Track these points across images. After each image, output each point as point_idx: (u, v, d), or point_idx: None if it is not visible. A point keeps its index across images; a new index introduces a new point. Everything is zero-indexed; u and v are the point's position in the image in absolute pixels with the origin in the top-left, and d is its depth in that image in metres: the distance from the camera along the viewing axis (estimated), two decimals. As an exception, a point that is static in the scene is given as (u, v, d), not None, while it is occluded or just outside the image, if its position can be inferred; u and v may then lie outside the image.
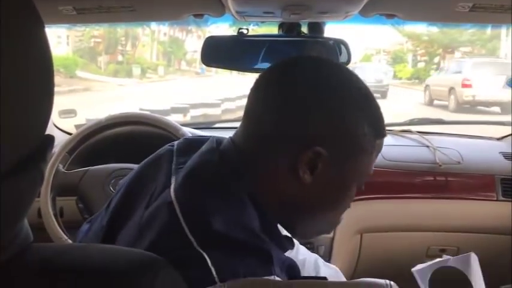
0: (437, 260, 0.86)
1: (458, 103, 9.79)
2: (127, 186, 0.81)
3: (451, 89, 10.02)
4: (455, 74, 10.32)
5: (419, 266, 0.87)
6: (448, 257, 0.86)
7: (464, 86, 9.69)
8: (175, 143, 0.82)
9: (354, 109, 0.70)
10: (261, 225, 0.67)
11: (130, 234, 0.71)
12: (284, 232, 0.75)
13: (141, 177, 0.80)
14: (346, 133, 0.69)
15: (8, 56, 0.36)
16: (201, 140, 0.78)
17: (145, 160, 0.84)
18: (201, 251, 0.62)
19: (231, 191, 0.68)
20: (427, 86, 11.33)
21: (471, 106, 9.76)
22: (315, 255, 1.09)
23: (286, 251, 0.72)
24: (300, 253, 1.02)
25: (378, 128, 0.72)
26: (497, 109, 9.68)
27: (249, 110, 0.73)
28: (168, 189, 0.70)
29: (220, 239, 0.63)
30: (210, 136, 0.79)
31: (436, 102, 10.57)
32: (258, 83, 0.74)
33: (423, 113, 8.65)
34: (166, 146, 0.83)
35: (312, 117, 0.68)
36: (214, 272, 0.60)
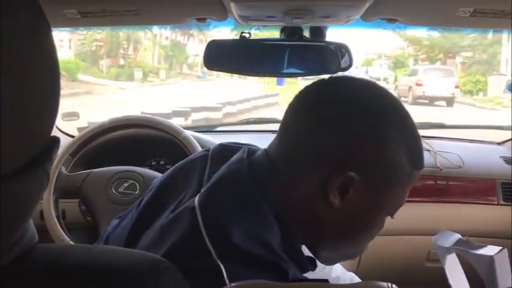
0: (459, 240, 0.79)
1: (413, 98, 13.26)
2: (157, 189, 0.80)
3: (410, 88, 13.72)
4: (413, 77, 14.07)
5: (438, 240, 0.81)
6: (470, 243, 0.78)
7: (417, 85, 13.40)
8: (211, 148, 0.81)
9: (393, 137, 0.67)
10: (282, 244, 0.65)
11: (153, 236, 0.71)
12: (307, 252, 0.73)
13: (172, 181, 0.80)
14: (382, 161, 0.67)
15: (16, 58, 0.36)
16: (235, 148, 0.77)
17: (179, 163, 0.83)
18: (219, 262, 0.61)
19: (256, 205, 0.67)
20: (396, 86, 14.98)
21: (429, 101, 13.23)
22: (350, 274, 1.06)
23: (306, 272, 0.70)
24: (333, 271, 1.00)
25: (416, 159, 0.70)
26: (443, 103, 13.34)
27: (287, 124, 0.72)
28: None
29: (238, 252, 0.62)
30: (244, 145, 0.78)
31: (402, 98, 13.06)
32: (298, 99, 0.72)
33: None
34: (202, 151, 0.83)
35: (349, 141, 0.66)
36: (227, 282, 0.60)
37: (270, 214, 0.66)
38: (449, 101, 13.31)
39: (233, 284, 0.58)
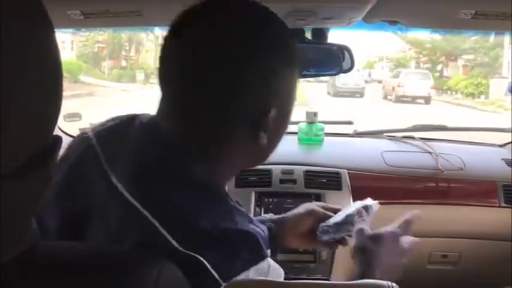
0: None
1: (396, 97, 16.27)
2: (56, 201, 0.70)
3: (393, 88, 16.68)
4: (396, 79, 16.93)
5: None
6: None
7: (399, 86, 16.37)
8: (92, 137, 0.73)
9: (286, 59, 0.68)
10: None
11: None
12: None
13: (66, 187, 0.71)
14: (286, 84, 0.69)
15: (19, 58, 0.37)
16: (118, 128, 0.72)
17: (68, 169, 0.73)
18: (194, 254, 0.59)
19: (193, 181, 0.64)
20: (383, 86, 17.95)
21: (411, 100, 16.02)
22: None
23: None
24: None
25: (298, 62, 0.71)
26: (422, 101, 16.12)
27: (178, 81, 0.66)
28: (118, 194, 0.63)
29: (209, 237, 0.61)
30: (121, 118, 0.74)
31: (388, 97, 16.95)
32: (179, 46, 0.68)
33: (379, 103, 15.28)
34: (84, 144, 0.74)
35: (261, 82, 0.65)
36: (215, 275, 0.59)
37: (209, 184, 0.66)
38: (427, 100, 16.23)
39: (230, 282, 0.58)
